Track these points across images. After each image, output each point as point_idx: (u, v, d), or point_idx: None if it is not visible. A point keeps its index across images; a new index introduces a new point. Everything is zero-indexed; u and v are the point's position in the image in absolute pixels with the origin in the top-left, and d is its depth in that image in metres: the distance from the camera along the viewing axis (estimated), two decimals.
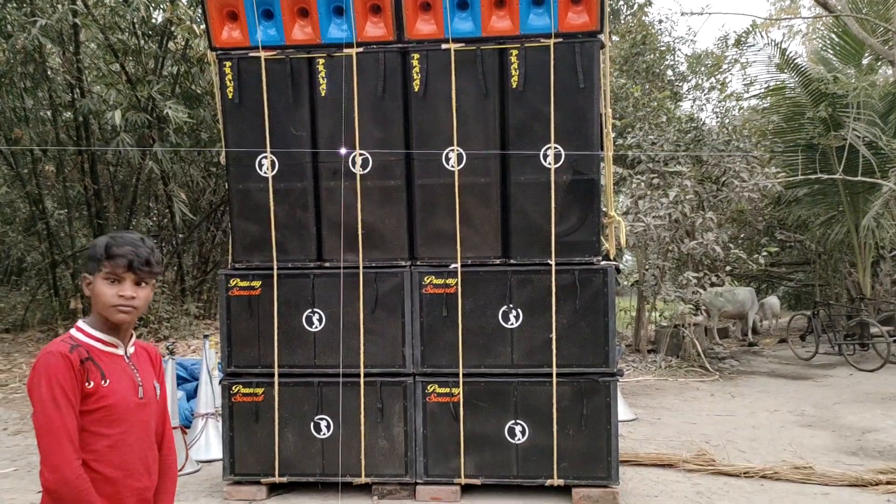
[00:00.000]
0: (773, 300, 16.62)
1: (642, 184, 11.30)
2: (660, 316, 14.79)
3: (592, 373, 5.03)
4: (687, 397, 9.35)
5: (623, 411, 7.75)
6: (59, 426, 2.14)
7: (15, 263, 15.63)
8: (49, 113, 12.71)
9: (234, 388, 5.26)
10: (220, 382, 5.30)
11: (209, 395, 6.44)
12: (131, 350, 2.39)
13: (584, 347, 5.04)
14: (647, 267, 12.27)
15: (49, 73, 12.29)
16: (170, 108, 10.73)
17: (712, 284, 12.87)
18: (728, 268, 13.02)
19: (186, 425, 6.59)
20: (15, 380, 9.89)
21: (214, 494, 5.32)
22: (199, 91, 12.82)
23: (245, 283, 5.27)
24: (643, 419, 7.93)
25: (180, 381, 7.21)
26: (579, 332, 5.03)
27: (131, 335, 2.41)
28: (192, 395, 7.18)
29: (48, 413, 2.15)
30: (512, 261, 5.13)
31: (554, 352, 5.02)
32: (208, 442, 6.30)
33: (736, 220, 15.52)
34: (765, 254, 13.05)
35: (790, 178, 13.12)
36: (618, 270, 5.57)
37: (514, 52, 5.00)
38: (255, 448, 5.23)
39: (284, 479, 5.21)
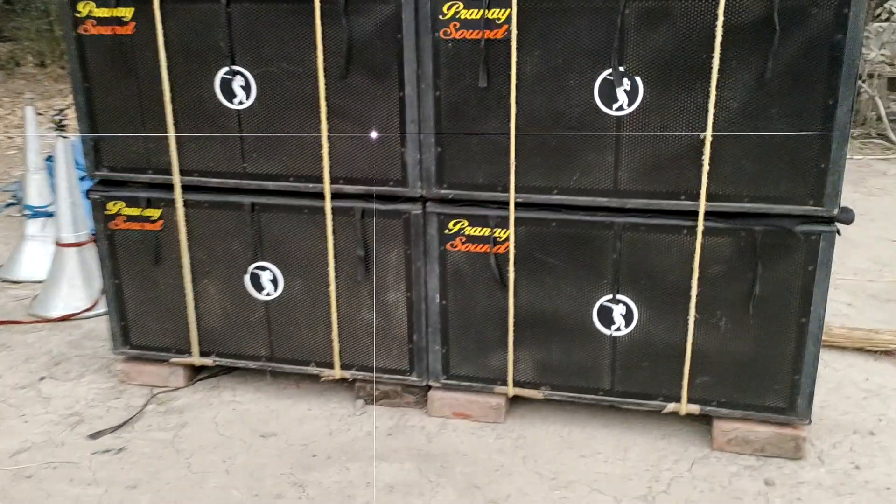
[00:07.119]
0: None
1: None
2: None
3: (780, 213, 2.43)
4: (872, 188, 6.51)
5: None
6: None
7: None
8: None
9: (110, 205, 2.96)
10: (87, 195, 3.00)
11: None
12: None
13: (762, 163, 2.39)
14: None
15: None
16: None
17: None
18: None
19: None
20: None
21: (105, 372, 3.25)
22: None
23: (105, 13, 2.74)
24: None
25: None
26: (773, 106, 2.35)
27: None
28: None
29: None
30: None
31: (704, 178, 2.41)
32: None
33: None
34: None
35: None
36: None
37: None
38: (159, 308, 3.05)
39: (209, 361, 3.07)
